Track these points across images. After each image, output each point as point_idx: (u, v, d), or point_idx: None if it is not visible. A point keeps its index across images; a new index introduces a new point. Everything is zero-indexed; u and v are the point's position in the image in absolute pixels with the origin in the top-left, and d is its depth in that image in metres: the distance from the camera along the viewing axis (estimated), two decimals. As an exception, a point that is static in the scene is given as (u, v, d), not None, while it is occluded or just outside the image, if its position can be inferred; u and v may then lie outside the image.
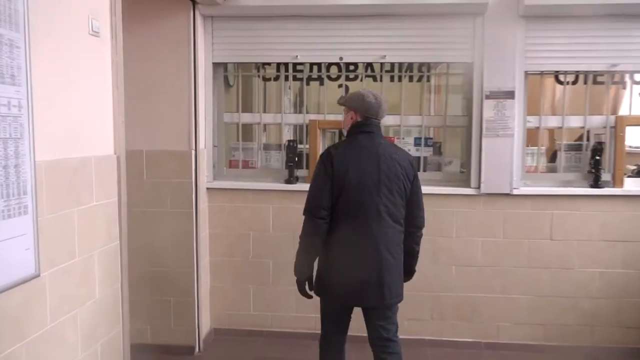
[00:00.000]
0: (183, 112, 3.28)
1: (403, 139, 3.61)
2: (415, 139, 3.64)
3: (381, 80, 3.57)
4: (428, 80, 3.63)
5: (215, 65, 3.54)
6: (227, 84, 3.93)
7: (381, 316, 2.43)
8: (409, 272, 2.57)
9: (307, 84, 3.66)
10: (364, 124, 2.41)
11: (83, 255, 2.02)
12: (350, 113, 2.46)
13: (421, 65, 3.56)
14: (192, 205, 3.31)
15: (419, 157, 3.62)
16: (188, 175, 3.29)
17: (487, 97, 3.36)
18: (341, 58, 3.47)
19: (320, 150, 3.27)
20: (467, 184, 3.50)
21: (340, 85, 3.61)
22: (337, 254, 2.36)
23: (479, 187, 3.43)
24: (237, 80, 3.64)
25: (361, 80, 3.58)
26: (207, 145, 3.54)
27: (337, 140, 3.89)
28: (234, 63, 3.70)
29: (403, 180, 2.38)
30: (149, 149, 3.30)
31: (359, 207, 2.32)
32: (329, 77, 3.61)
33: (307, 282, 2.47)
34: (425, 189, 3.44)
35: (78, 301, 2.00)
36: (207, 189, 3.54)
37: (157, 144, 3.29)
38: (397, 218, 2.38)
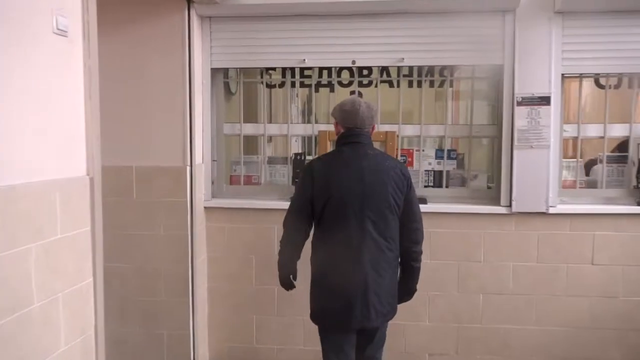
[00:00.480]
0: (177, 124, 2.93)
1: (423, 150, 3.23)
2: (437, 151, 3.26)
3: (398, 86, 3.20)
4: (451, 86, 3.24)
5: (214, 71, 3.20)
6: (229, 92, 3.59)
7: (366, 337, 2.36)
8: (408, 292, 2.44)
9: (316, 90, 3.30)
10: (346, 135, 2.33)
11: (43, 300, 1.66)
12: (337, 124, 2.40)
13: (443, 68, 3.18)
14: (187, 227, 2.96)
15: (440, 172, 3.24)
16: (182, 194, 2.94)
17: (519, 104, 2.97)
18: (353, 62, 3.10)
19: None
20: (496, 202, 3.11)
21: (352, 92, 3.24)
22: (322, 271, 2.31)
23: (510, 205, 3.03)
24: (239, 87, 3.30)
25: (376, 85, 3.21)
26: (205, 160, 3.19)
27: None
28: (235, 69, 3.36)
29: (392, 192, 2.25)
30: (140, 165, 2.96)
31: (343, 222, 2.23)
32: (340, 83, 3.25)
33: (291, 275, 2.43)
34: (448, 208, 3.12)
35: (37, 357, 1.65)
36: (205, 208, 3.19)
37: (148, 160, 2.95)
38: (386, 233, 2.27)
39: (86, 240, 1.90)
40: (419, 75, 3.19)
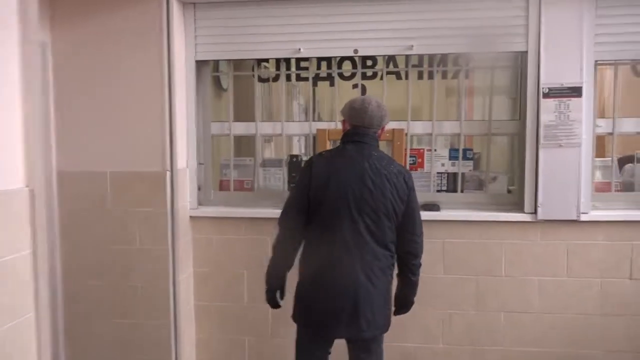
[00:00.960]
0: (155, 124, 2.59)
1: (435, 150, 2.86)
2: (451, 150, 2.89)
3: (406, 78, 2.83)
4: (467, 77, 2.86)
5: (200, 64, 2.85)
6: (219, 88, 3.24)
7: (361, 348, 2.22)
8: (405, 304, 2.29)
9: (315, 84, 2.94)
10: (352, 133, 2.19)
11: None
12: (344, 122, 2.27)
13: (458, 57, 2.80)
14: (167, 240, 2.61)
15: (455, 174, 2.87)
16: (162, 203, 2.60)
17: (546, 96, 2.59)
18: (356, 51, 2.74)
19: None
20: (518, 208, 2.73)
21: (355, 86, 2.88)
22: (311, 271, 2.16)
23: (535, 212, 2.65)
24: (230, 82, 2.95)
25: (381, 78, 2.84)
26: (190, 164, 2.85)
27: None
28: (226, 61, 3.02)
29: (392, 199, 2.11)
30: (114, 170, 2.62)
31: (337, 224, 2.10)
32: (341, 76, 2.88)
33: (278, 291, 2.24)
34: (464, 215, 2.75)
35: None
36: (191, 217, 2.85)
37: (123, 164, 2.61)
38: (382, 240, 2.13)
39: (26, 266, 1.56)
40: (430, 65, 2.81)
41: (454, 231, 2.73)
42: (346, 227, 2.08)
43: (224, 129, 2.94)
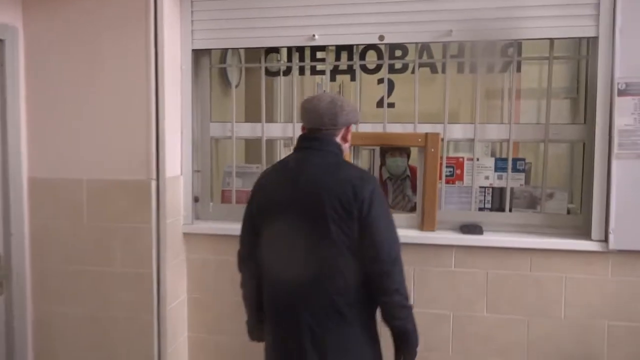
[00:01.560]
0: (138, 123, 2.18)
1: (477, 160, 2.35)
2: (497, 160, 2.37)
3: (443, 71, 2.33)
4: (518, 70, 2.34)
5: (197, 54, 2.43)
6: (226, 84, 2.83)
7: None
8: None
9: (332, 78, 2.47)
10: (298, 139, 1.79)
11: None
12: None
13: (507, 46, 2.29)
14: (152, 262, 2.20)
15: (502, 189, 2.35)
16: (146, 217, 2.18)
17: (622, 93, 2.05)
18: (381, 37, 2.26)
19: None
20: (583, 233, 2.19)
21: (380, 81, 2.40)
22: (263, 319, 1.82)
23: (605, 240, 2.11)
24: (241, 76, 2.52)
25: (412, 71, 2.36)
26: (185, 171, 2.43)
27: (376, 162, 2.72)
28: (232, 53, 2.60)
29: (335, 216, 1.61)
30: (91, 177, 2.23)
31: (272, 255, 1.74)
32: (364, 68, 2.41)
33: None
34: (513, 241, 2.17)
35: None
36: (185, 234, 2.43)
37: (102, 171, 2.22)
38: (330, 272, 1.63)
39: None
40: (473, 55, 2.31)
41: (500, 260, 2.21)
42: (283, 260, 1.69)
43: (226, 130, 2.51)
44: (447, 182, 2.37)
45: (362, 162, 2.54)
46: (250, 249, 1.81)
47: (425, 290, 2.28)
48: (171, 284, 2.28)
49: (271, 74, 2.57)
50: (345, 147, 1.78)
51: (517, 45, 2.26)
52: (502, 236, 2.23)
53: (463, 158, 2.38)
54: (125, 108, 2.18)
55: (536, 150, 2.51)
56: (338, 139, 1.74)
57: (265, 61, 2.47)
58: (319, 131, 1.71)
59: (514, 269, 2.21)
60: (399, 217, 2.38)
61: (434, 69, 2.37)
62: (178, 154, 2.38)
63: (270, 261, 1.74)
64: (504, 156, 2.41)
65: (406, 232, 2.28)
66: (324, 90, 2.44)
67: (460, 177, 2.38)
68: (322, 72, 2.46)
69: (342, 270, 1.63)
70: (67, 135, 2.24)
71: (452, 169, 2.38)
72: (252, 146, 2.86)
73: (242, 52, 2.64)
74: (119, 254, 2.22)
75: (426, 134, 2.27)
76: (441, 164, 2.31)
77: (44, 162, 2.26)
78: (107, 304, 2.25)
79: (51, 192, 2.25)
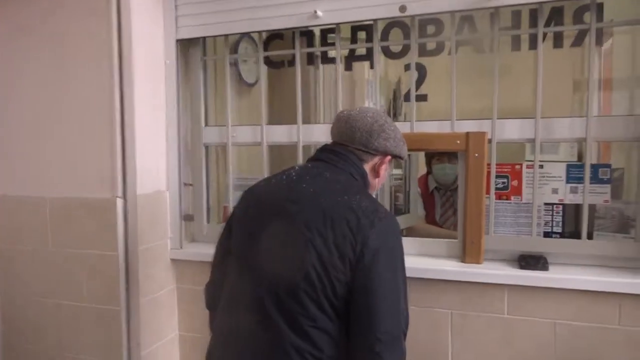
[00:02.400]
0: (100, 132, 1.80)
1: (541, 167, 1.73)
2: (570, 167, 1.73)
3: (491, 50, 1.74)
4: (599, 43, 1.69)
5: (185, 44, 2.04)
6: (238, 80, 2.42)
7: None
8: None
9: (348, 67, 1.96)
10: (318, 149, 1.39)
11: None
12: None
13: (581, 9, 1.65)
14: (119, 297, 1.81)
15: (577, 207, 1.71)
16: (111, 243, 1.80)
17: None
18: (403, 8, 1.72)
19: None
20: (702, 272, 1.51)
21: (407, 67, 1.85)
22: None
23: None
24: (259, 72, 2.08)
25: (449, 52, 1.78)
26: (172, 185, 2.03)
27: (411, 173, 2.18)
28: (238, 40, 2.18)
29: (323, 250, 1.14)
30: (55, 195, 1.89)
31: (236, 292, 1.27)
32: (387, 52, 1.88)
33: None
34: (591, 280, 1.47)
35: None
36: (173, 261, 2.03)
37: (65, 187, 1.87)
38: (299, 332, 1.15)
39: None
40: (533, 25, 1.70)
41: (573, 307, 1.58)
42: (245, 301, 1.22)
43: (223, 136, 2.08)
44: (499, 197, 1.77)
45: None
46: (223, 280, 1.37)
47: (467, 343, 1.69)
48: (153, 321, 1.88)
49: (273, 65, 2.10)
50: (374, 183, 1.36)
51: (597, 6, 1.62)
52: (576, 273, 1.60)
53: (520, 165, 1.77)
54: (88, 113, 1.82)
55: (628, 152, 1.84)
56: (366, 167, 1.32)
57: (267, 49, 2.02)
58: (343, 145, 1.33)
59: (594, 320, 1.56)
60: (434, 243, 1.82)
61: (479, 47, 1.79)
62: (162, 165, 1.99)
63: (223, 305, 1.28)
64: (581, 162, 1.76)
65: (443, 264, 1.72)
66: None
67: (517, 191, 1.77)
68: (331, 61, 1.94)
69: (317, 333, 1.13)
70: (27, 145, 1.92)
71: (505, 180, 1.78)
72: (286, 152, 2.37)
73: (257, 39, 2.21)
74: (85, 286, 1.85)
75: (467, 133, 1.69)
76: (489, 173, 1.72)
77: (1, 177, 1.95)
78: (75, 344, 1.89)
79: (12, 212, 1.94)
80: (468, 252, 1.73)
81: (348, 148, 1.31)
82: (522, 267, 1.65)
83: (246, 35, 2.23)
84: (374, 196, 1.35)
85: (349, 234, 1.14)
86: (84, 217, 1.83)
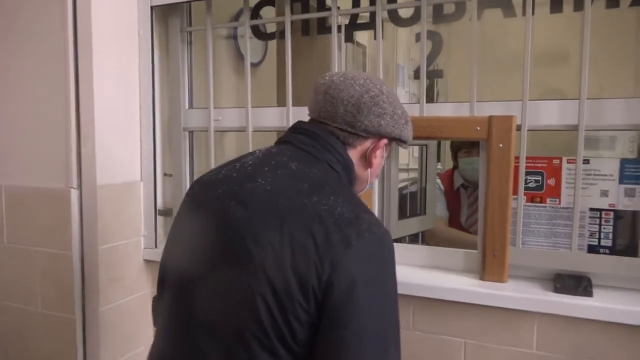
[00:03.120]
0: (55, 114, 1.56)
1: (586, 162, 1.35)
2: (624, 163, 1.34)
3: (523, 14, 1.36)
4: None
5: (160, 11, 1.76)
6: (237, 57, 2.14)
7: None
8: None
9: (348, 38, 1.63)
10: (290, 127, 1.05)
11: None
12: None
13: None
14: (72, 304, 1.56)
15: (634, 214, 1.32)
16: (64, 241, 1.56)
17: None
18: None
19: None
20: None
21: (418, 37, 1.50)
22: None
23: None
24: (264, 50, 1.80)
25: (470, 17, 1.42)
26: (146, 175, 1.77)
27: (429, 169, 1.85)
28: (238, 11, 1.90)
29: (277, 283, 0.81)
30: (11, 183, 1.67)
31: (165, 335, 0.95)
32: (396, 18, 1.54)
33: None
34: None
35: None
36: (147, 262, 1.77)
37: (21, 174, 1.64)
38: None
39: None
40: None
41: (624, 346, 1.21)
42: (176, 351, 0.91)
43: (204, 118, 1.79)
44: (531, 198, 1.41)
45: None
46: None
47: (484, 383, 1.35)
48: (116, 332, 1.63)
49: (261, 36, 1.80)
50: (365, 176, 1.03)
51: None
52: (630, 301, 1.21)
53: (559, 160, 1.39)
54: (40, 91, 1.58)
55: None
56: (353, 154, 1.00)
57: (255, 18, 1.72)
58: (322, 124, 1.00)
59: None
60: (447, 253, 1.49)
61: (509, 11, 1.42)
62: (136, 152, 1.73)
63: (157, 335, 1.00)
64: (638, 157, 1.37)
65: (457, 281, 1.38)
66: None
67: (554, 192, 1.39)
68: (328, 30, 1.61)
69: None
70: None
71: (539, 178, 1.41)
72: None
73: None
74: (38, 289, 1.62)
75: (489, 117, 1.33)
76: (517, 170, 1.36)
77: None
78: (24, 355, 1.67)
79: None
80: (489, 268, 1.38)
81: (328, 128, 0.98)
82: (557, 290, 1.28)
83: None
84: (361, 197, 1.02)
85: (314, 254, 0.80)
86: (39, 209, 1.60)
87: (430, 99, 2.15)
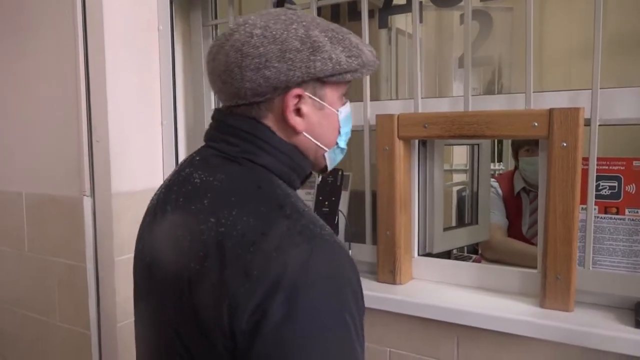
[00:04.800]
0: (68, 117, 1.47)
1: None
2: None
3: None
4: None
5: (180, 5, 1.64)
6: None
7: None
8: None
9: (383, 24, 1.43)
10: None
11: None
12: None
13: None
14: (88, 318, 1.47)
15: None
16: (78, 252, 1.47)
17: None
18: None
19: (412, 188, 1.18)
20: None
21: (462, 19, 1.28)
22: None
23: None
24: None
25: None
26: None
27: (481, 170, 1.62)
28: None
29: (196, 349, 0.64)
30: (30, 190, 1.61)
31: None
32: (437, -1, 1.33)
33: None
34: None
35: None
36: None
37: (39, 182, 1.58)
38: None
39: None
40: None
41: None
42: None
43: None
44: (604, 210, 1.14)
45: (420, 161, 1.42)
46: None
47: None
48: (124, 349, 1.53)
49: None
50: (307, 142, 0.77)
51: None
52: None
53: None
54: (54, 93, 1.50)
55: None
56: (272, 125, 0.75)
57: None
58: (230, 110, 0.77)
59: None
60: (499, 272, 1.26)
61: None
62: (157, 157, 1.63)
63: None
64: None
65: (514, 308, 1.15)
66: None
67: (635, 201, 1.12)
68: (335, 11, 1.42)
69: None
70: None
71: (615, 184, 1.14)
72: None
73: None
74: (57, 301, 1.55)
75: (550, 110, 1.09)
76: (585, 175, 1.10)
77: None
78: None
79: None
80: (550, 293, 1.13)
81: (229, 110, 0.76)
82: (639, 325, 1.02)
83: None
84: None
85: (211, 296, 0.62)
86: (55, 218, 1.53)
87: (491, 94, 1.89)
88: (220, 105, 0.80)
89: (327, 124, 0.78)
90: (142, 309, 0.78)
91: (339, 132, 0.80)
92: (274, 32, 0.70)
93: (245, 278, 0.60)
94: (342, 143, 0.82)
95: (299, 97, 0.73)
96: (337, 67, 0.73)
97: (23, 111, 1.59)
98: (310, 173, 0.82)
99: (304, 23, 0.72)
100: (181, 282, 0.65)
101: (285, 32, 0.70)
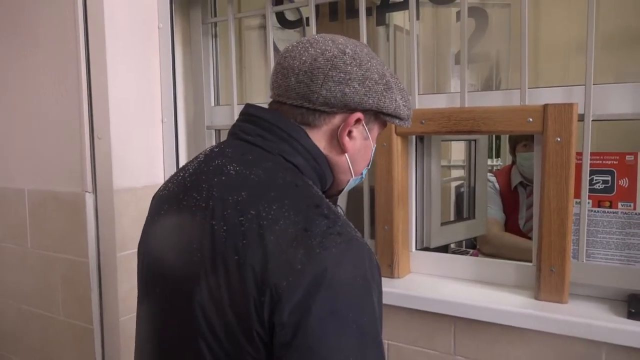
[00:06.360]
0: (69, 113, 1.49)
1: (672, 158, 1.09)
2: None
3: (589, -22, 1.13)
4: None
5: (180, 3, 1.66)
6: (276, 51, 2.01)
7: None
8: None
9: (380, 21, 1.45)
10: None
11: None
12: None
13: None
14: (91, 313, 1.49)
15: None
16: (80, 247, 1.49)
17: None
18: None
19: (409, 184, 1.18)
20: None
21: (459, 16, 1.30)
22: None
23: None
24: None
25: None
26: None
27: (479, 167, 1.64)
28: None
29: (229, 338, 0.65)
30: (33, 187, 1.63)
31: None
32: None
33: None
34: None
35: None
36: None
37: (41, 178, 1.60)
38: None
39: None
40: None
41: None
42: None
43: (227, 117, 1.67)
44: (597, 203, 1.17)
45: (425, 159, 1.44)
46: None
47: None
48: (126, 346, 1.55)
49: (287, 23, 1.65)
50: (343, 162, 0.80)
51: None
52: None
53: (635, 155, 1.14)
54: (55, 91, 1.52)
55: None
56: (319, 136, 0.78)
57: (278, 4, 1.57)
58: (275, 106, 0.80)
59: None
60: (495, 265, 1.28)
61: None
62: (158, 154, 1.64)
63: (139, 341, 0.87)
64: None
65: (509, 301, 1.18)
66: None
67: (629, 195, 1.14)
68: (334, 15, 1.44)
69: None
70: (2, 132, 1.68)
71: (608, 178, 1.16)
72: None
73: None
74: (60, 296, 1.57)
75: (544, 106, 1.11)
76: (579, 169, 1.12)
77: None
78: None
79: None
80: (545, 285, 1.16)
81: (283, 108, 0.77)
82: (631, 316, 1.04)
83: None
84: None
85: (252, 288, 0.63)
86: (57, 214, 1.54)
87: (488, 90, 1.92)
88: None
89: (363, 154, 0.82)
90: (164, 288, 0.76)
91: (368, 165, 0.86)
92: (362, 59, 0.76)
93: (289, 272, 0.62)
94: (364, 174, 0.87)
95: (358, 121, 0.77)
96: (397, 110, 0.79)
97: (25, 108, 1.61)
98: (324, 191, 0.83)
99: (380, 61, 0.80)
100: (218, 268, 0.66)
101: (369, 63, 0.76)
